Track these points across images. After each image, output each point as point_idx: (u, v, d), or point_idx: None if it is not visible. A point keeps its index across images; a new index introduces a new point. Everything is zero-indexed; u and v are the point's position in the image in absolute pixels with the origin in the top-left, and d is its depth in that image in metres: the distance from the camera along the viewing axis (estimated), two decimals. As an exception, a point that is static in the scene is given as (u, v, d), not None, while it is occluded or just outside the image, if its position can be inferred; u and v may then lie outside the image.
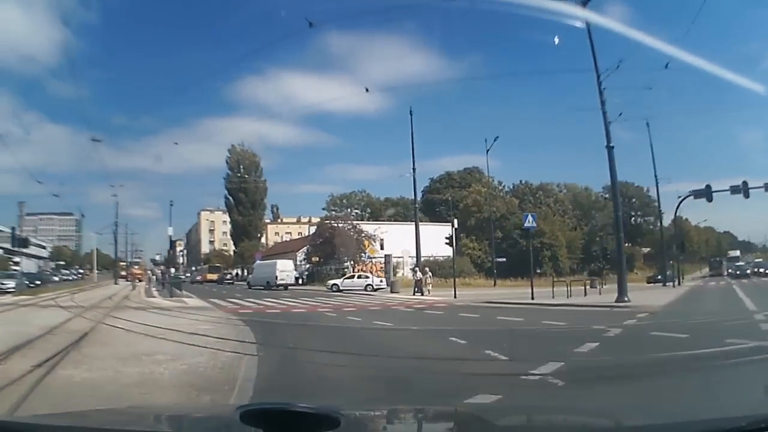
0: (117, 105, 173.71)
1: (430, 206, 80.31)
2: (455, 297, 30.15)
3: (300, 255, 64.21)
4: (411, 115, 45.77)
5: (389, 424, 2.71)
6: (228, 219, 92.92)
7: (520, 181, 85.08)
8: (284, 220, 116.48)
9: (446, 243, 38.60)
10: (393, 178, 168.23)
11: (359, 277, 45.98)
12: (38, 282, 47.45)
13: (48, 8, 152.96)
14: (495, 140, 59.69)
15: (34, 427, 2.33)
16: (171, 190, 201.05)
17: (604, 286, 32.27)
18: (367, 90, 27.83)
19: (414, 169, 44.81)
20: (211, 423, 2.79)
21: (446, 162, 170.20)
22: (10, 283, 35.54)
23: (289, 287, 49.66)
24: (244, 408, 1.70)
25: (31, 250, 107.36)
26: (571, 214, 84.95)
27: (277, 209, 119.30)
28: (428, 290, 36.16)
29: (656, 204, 75.23)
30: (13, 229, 48.17)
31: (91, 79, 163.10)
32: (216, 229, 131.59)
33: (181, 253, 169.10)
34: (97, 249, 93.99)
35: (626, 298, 22.18)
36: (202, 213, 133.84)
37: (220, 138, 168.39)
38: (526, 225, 30.26)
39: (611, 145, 24.79)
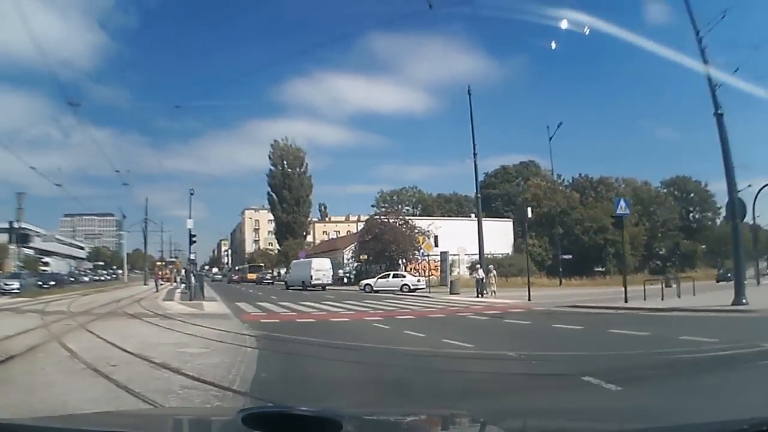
0: (161, 108, 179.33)
1: (485, 202, 74.61)
2: (529, 299, 24.87)
3: (347, 253, 59.46)
4: (469, 94, 40.47)
5: (391, 428, 2.62)
6: (272, 217, 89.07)
7: (579, 174, 78.03)
8: (332, 219, 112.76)
9: (519, 237, 33.19)
10: (444, 177, 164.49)
11: (395, 276, 41.48)
12: (53, 282, 44.18)
13: (83, 12, 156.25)
14: (558, 127, 53.75)
15: (35, 429, 2.19)
16: (218, 191, 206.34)
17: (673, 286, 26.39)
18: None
19: (475, 154, 39.44)
20: (213, 426, 2.66)
21: (498, 161, 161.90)
22: (14, 284, 32.73)
23: (329, 287, 45.48)
24: (247, 411, 1.64)
25: (68, 250, 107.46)
26: (633, 210, 78.46)
27: (325, 208, 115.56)
28: (493, 291, 30.95)
29: (715, 200, 71.40)
30: (11, 223, 44.42)
31: (133, 82, 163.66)
32: (261, 228, 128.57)
33: (226, 253, 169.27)
34: (138, 250, 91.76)
35: (744, 300, 18.15)
36: (246, 212, 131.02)
37: (266, 139, 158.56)
38: (618, 212, 24.53)
39: (720, 112, 19.60)
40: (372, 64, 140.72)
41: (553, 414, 3.14)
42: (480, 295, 29.76)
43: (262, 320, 16.75)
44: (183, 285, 34.78)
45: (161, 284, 46.02)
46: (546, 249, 61.97)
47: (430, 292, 35.92)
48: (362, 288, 39.65)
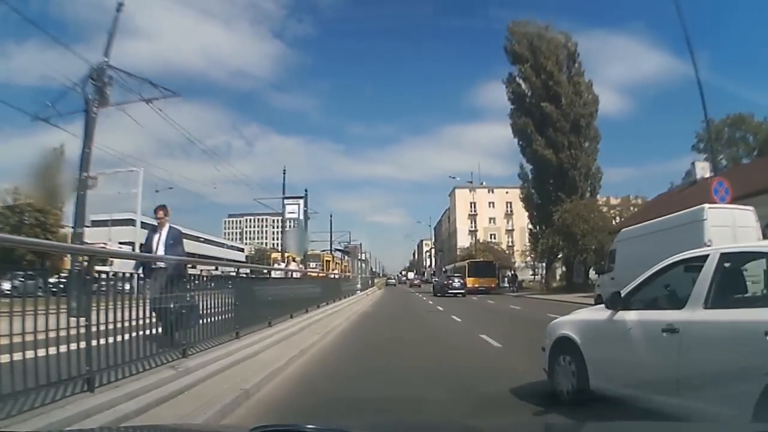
0: (352, 115, 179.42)
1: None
2: None
3: None
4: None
5: None
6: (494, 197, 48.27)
7: None
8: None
9: None
10: (653, 179, 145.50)
11: None
12: None
13: (253, 23, 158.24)
14: None
15: None
16: (415, 196, 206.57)
17: None
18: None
19: None
20: None
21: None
22: None
23: None
24: (258, 429, 1.60)
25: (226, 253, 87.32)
26: None
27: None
28: None
29: None
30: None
31: (319, 90, 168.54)
32: (480, 214, 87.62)
33: (428, 254, 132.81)
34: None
35: None
36: (458, 192, 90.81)
37: (463, 144, 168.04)
38: None
39: None
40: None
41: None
42: None
43: None
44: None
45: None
46: None
47: None
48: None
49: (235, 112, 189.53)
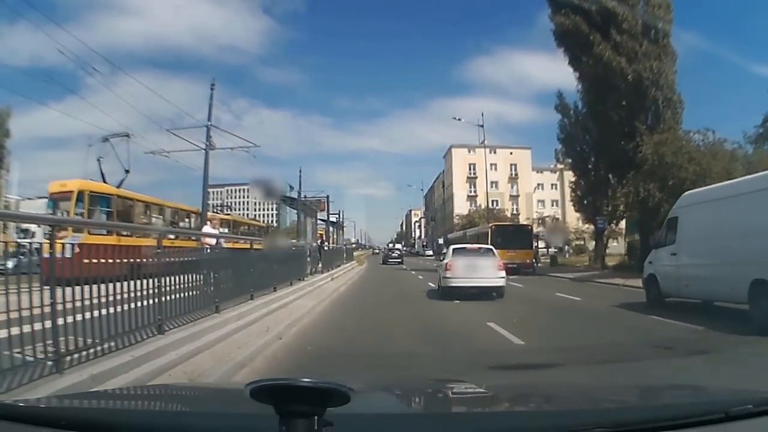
0: (340, 89, 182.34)
1: None
2: None
3: None
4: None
5: (399, 400, 2.61)
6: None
7: None
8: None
9: None
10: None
11: None
12: None
13: None
14: None
15: (40, 410, 2.04)
16: (404, 169, 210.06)
17: None
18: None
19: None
20: (222, 399, 2.66)
21: None
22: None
23: None
24: (254, 384, 1.58)
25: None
26: None
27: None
28: None
29: None
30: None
31: (308, 64, 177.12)
32: (480, 177, 75.59)
33: (417, 224, 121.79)
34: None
35: None
36: (454, 151, 78.80)
37: (452, 117, 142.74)
38: None
39: None
40: (553, 42, 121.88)
41: (560, 391, 2.84)
42: None
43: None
44: None
45: None
46: None
47: None
48: None
49: (224, 86, 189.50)
